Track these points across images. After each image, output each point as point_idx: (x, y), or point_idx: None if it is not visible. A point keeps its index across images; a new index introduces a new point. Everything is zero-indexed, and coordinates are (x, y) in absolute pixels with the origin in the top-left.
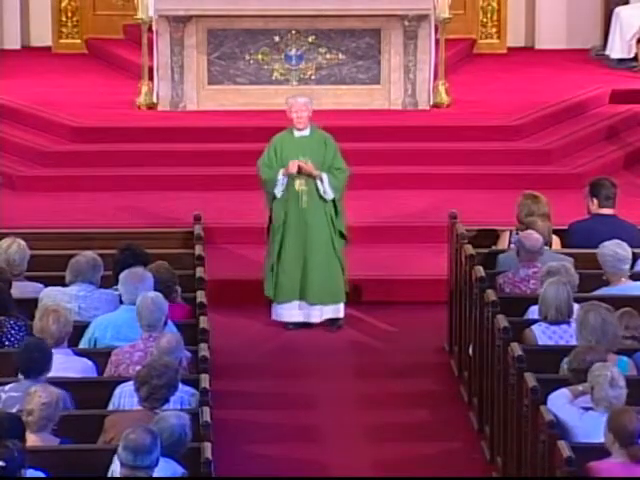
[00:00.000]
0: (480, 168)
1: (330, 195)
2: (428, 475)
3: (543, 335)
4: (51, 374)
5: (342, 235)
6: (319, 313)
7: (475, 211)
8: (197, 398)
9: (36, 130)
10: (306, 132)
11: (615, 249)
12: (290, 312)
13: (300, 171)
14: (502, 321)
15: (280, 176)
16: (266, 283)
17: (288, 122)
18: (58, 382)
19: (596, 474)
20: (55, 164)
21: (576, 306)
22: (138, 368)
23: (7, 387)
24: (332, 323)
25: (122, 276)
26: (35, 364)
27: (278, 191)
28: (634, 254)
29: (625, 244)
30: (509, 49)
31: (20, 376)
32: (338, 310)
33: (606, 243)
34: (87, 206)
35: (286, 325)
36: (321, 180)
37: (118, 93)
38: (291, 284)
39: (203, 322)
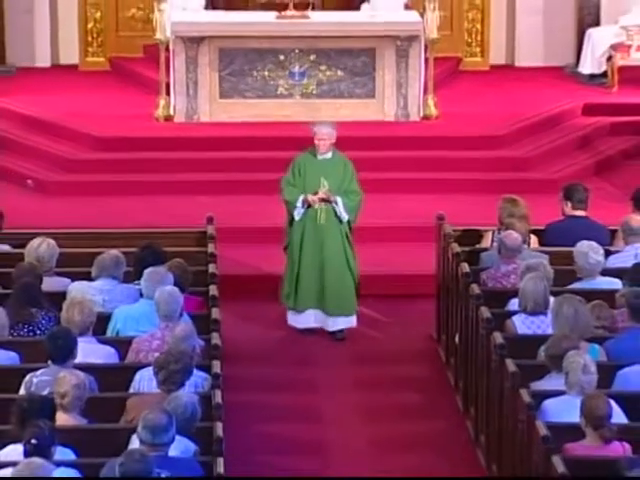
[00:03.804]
0: (465, 174)
1: (345, 217)
2: (417, 453)
3: (522, 325)
4: (77, 360)
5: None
6: (332, 323)
7: (461, 213)
8: (209, 382)
9: (64, 140)
10: (328, 155)
11: (590, 253)
12: (306, 319)
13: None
14: (485, 312)
15: (299, 203)
16: (284, 293)
17: (293, 132)
18: (83, 367)
19: (571, 453)
20: (81, 171)
21: (552, 298)
22: (156, 355)
23: (39, 372)
24: (337, 332)
25: (146, 272)
26: (60, 350)
27: (297, 215)
28: (604, 251)
29: (599, 248)
30: (491, 66)
31: (49, 362)
32: (350, 321)
33: (583, 248)
34: (110, 209)
35: (300, 332)
36: (336, 203)
37: (138, 106)
38: (309, 295)
39: (215, 313)
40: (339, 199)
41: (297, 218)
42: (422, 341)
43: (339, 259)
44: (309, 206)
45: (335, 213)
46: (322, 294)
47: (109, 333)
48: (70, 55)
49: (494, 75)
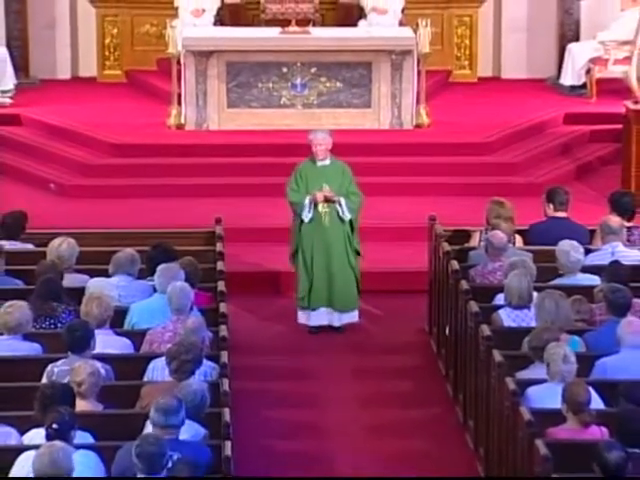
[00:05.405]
0: (455, 178)
1: (348, 216)
2: (410, 436)
3: (508, 318)
4: (96, 351)
5: (356, 252)
6: (338, 319)
7: (451, 215)
8: (218, 371)
9: (83, 146)
10: (327, 162)
11: (571, 252)
12: (318, 317)
13: (324, 199)
14: (473, 306)
15: (307, 201)
16: (299, 297)
17: (295, 139)
18: (101, 357)
19: (553, 437)
20: (99, 175)
21: (535, 294)
22: (169, 346)
23: (59, 362)
24: (338, 327)
25: (159, 269)
26: (78, 341)
27: (306, 215)
28: (584, 249)
29: (580, 247)
30: (479, 78)
31: (68, 352)
32: (354, 316)
33: (565, 247)
34: (125, 210)
35: (310, 329)
36: (340, 204)
37: (152, 115)
38: (320, 294)
39: (223, 307)
40: (342, 199)
41: (306, 220)
42: (415, 333)
43: (343, 258)
44: (316, 205)
45: (338, 216)
46: (331, 292)
47: (126, 327)
48: (89, 68)
49: (482, 86)
